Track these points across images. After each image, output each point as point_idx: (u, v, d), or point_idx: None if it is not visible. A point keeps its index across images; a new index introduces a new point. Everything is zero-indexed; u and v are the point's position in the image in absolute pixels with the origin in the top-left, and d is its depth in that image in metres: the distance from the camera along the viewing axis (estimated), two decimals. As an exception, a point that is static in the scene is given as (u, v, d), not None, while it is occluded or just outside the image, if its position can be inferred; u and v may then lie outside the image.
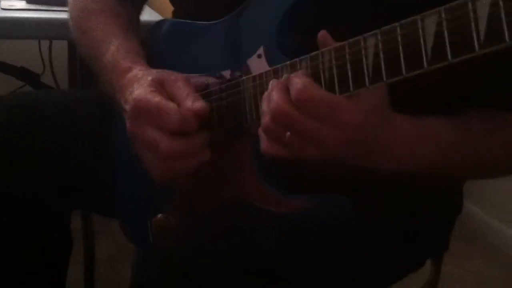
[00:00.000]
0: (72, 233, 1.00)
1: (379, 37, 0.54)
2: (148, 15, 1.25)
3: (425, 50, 0.51)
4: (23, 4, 1.35)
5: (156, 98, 0.69)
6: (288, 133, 0.60)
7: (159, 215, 0.84)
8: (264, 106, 0.62)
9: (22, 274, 0.91)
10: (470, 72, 0.62)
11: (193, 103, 0.69)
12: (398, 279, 0.87)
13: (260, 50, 0.70)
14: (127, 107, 0.72)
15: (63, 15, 1.09)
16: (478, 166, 0.72)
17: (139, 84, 0.72)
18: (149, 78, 0.72)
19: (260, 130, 0.63)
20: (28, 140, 0.87)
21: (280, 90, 0.60)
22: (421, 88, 0.65)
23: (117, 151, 0.93)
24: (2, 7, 1.29)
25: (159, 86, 0.71)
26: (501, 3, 0.45)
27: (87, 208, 1.21)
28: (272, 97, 0.60)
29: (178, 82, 0.72)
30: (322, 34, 0.60)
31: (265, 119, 0.61)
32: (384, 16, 0.56)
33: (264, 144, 0.63)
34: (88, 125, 0.94)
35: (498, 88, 0.69)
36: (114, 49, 0.80)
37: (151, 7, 1.35)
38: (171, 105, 0.69)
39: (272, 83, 0.62)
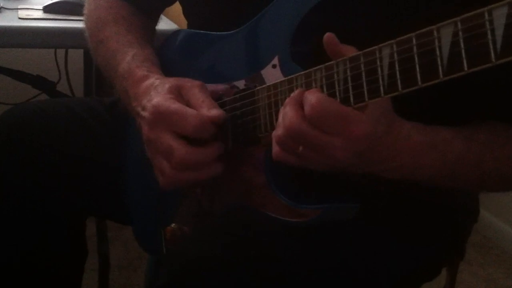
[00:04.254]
0: (87, 240, 1.01)
1: (394, 47, 0.54)
2: (165, 24, 1.26)
3: (441, 60, 0.51)
4: (40, 14, 1.36)
5: (175, 104, 0.70)
6: (301, 147, 0.60)
7: (172, 225, 0.84)
8: (279, 119, 0.62)
9: (28, 276, 0.92)
10: (480, 84, 0.62)
11: (209, 110, 0.69)
12: (408, 283, 0.87)
13: (275, 60, 0.70)
14: (145, 113, 0.72)
15: (79, 24, 1.10)
16: (484, 179, 0.71)
17: (157, 92, 0.73)
18: (167, 85, 0.73)
19: (272, 138, 0.64)
20: (33, 144, 0.88)
21: (294, 106, 0.61)
22: (431, 99, 0.64)
23: (128, 158, 0.94)
24: (19, 17, 1.30)
25: (177, 93, 0.72)
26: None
27: (100, 215, 1.22)
28: (286, 114, 0.61)
29: (194, 88, 0.73)
30: (328, 37, 0.60)
31: (278, 132, 0.62)
32: (399, 25, 0.56)
33: (276, 150, 0.64)
34: (98, 132, 0.95)
35: (507, 101, 0.69)
36: (130, 58, 0.81)
37: (168, 16, 1.36)
38: (190, 111, 0.69)
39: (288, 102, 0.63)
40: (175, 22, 1.35)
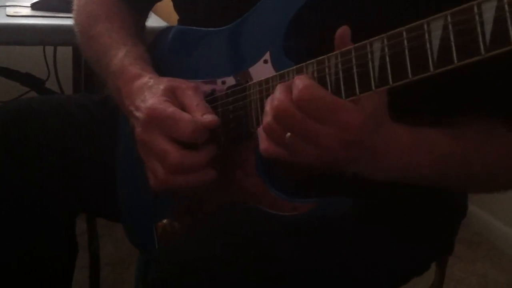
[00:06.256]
0: (78, 237, 1.01)
1: (385, 41, 0.55)
2: (153, 21, 1.26)
3: (431, 54, 0.51)
4: (28, 11, 1.36)
5: (171, 108, 0.70)
6: (289, 134, 0.60)
7: (164, 221, 0.84)
8: (267, 107, 0.62)
9: (26, 275, 0.92)
10: (469, 80, 0.62)
11: (204, 115, 0.69)
12: (403, 280, 0.87)
13: (267, 55, 0.70)
14: (139, 114, 0.72)
15: (68, 22, 1.10)
16: (472, 178, 0.71)
17: (152, 93, 0.73)
18: (161, 87, 0.73)
19: (260, 130, 0.64)
20: (30, 143, 0.88)
21: (284, 90, 0.60)
22: (420, 97, 0.65)
23: (119, 155, 0.94)
24: (7, 14, 1.30)
25: (172, 95, 0.72)
26: (506, 6, 0.46)
27: (91, 212, 1.22)
28: (275, 96, 0.60)
29: (188, 91, 0.73)
30: (343, 30, 0.60)
31: (267, 118, 0.61)
32: (392, 21, 0.56)
33: (264, 144, 0.63)
34: (90, 129, 0.95)
35: (496, 96, 0.69)
36: (122, 55, 0.81)
37: (156, 13, 1.36)
38: (185, 116, 0.69)
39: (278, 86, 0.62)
40: (164, 19, 1.35)
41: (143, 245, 0.94)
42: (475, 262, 2.05)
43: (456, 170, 0.69)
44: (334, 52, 0.59)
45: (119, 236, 1.83)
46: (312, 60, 0.62)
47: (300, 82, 0.58)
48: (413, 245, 0.82)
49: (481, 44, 0.48)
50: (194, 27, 0.82)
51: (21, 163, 0.87)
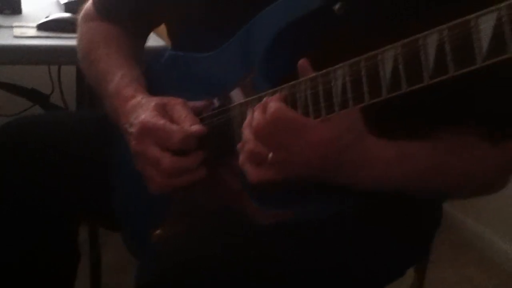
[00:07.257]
0: (79, 245, 1.05)
1: (346, 68, 0.62)
2: (153, 41, 1.31)
3: (385, 80, 0.58)
4: (34, 32, 1.40)
5: (161, 121, 0.77)
6: (271, 154, 0.66)
7: (159, 230, 0.88)
8: (246, 134, 0.68)
9: (27, 275, 0.95)
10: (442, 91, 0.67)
11: (191, 126, 0.76)
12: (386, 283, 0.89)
13: (247, 79, 0.77)
14: (133, 129, 0.79)
15: (72, 42, 1.13)
16: (451, 186, 0.76)
17: (143, 109, 0.79)
18: (153, 103, 0.80)
19: (242, 163, 0.69)
20: (32, 144, 0.92)
21: (261, 111, 0.67)
22: (396, 112, 0.69)
23: (117, 167, 0.98)
24: (14, 35, 1.35)
25: (162, 110, 0.79)
26: (446, 41, 0.52)
27: (92, 214, 1.21)
28: (255, 117, 0.67)
29: (177, 105, 0.79)
30: (302, 62, 0.67)
31: (248, 144, 0.68)
32: (366, 44, 0.61)
33: (251, 173, 0.68)
34: (89, 143, 0.99)
35: (469, 106, 0.73)
36: (118, 79, 0.88)
37: (157, 33, 1.41)
38: (174, 127, 0.76)
39: (249, 112, 0.69)
40: (163, 39, 1.40)
41: (140, 253, 0.97)
42: (463, 266, 2.05)
43: (436, 177, 0.73)
44: (304, 78, 0.66)
45: (119, 243, 1.85)
46: (286, 85, 0.69)
47: (272, 105, 0.66)
48: (414, 246, 0.85)
49: (424, 73, 0.54)
50: (185, 53, 0.89)
51: (23, 163, 0.91)
